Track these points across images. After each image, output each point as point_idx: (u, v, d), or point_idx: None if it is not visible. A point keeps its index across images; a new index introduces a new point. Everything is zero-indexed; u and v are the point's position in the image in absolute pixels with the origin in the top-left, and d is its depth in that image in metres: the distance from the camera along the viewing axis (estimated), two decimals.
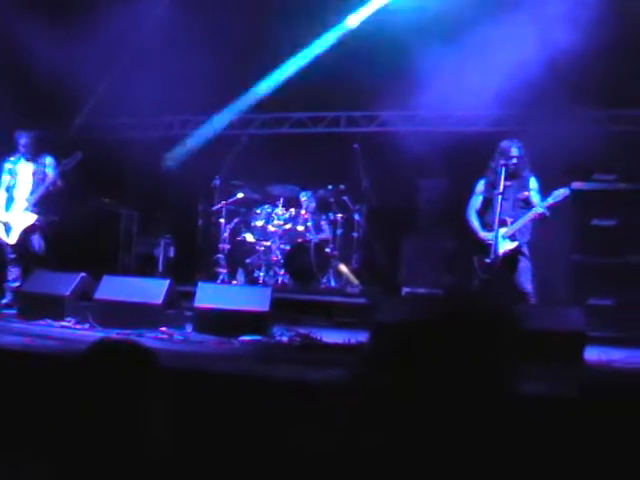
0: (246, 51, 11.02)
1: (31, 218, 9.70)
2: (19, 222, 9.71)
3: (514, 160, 8.68)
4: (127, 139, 11.75)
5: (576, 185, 9.91)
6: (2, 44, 10.62)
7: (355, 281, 11.41)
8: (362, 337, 8.05)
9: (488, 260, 8.67)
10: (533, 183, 8.74)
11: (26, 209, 9.69)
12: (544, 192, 8.71)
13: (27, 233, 9.73)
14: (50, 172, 9.74)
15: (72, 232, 11.28)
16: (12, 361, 6.09)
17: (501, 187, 8.59)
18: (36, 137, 9.85)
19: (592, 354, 7.35)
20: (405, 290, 11.12)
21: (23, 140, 9.79)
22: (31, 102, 10.82)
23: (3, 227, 9.74)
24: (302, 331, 8.65)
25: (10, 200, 9.81)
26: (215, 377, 5.85)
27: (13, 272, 9.76)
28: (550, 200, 8.56)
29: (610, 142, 10.29)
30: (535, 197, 8.68)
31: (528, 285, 8.65)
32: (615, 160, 10.33)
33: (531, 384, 5.01)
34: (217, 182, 11.74)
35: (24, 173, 9.81)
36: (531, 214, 8.59)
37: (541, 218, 8.60)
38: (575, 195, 9.23)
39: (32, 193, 9.70)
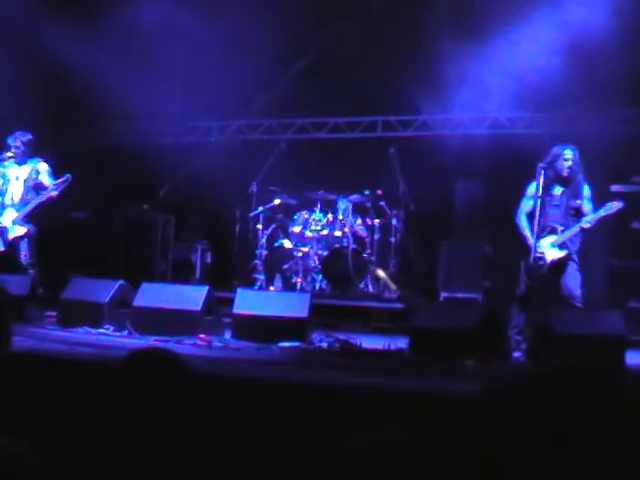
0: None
1: (22, 230, 9.58)
2: (9, 231, 9.62)
3: (568, 164, 8.59)
4: (163, 144, 11.82)
5: (615, 188, 9.89)
6: (26, 44, 10.68)
7: (393, 286, 11.42)
8: (401, 343, 8.09)
9: (536, 266, 8.58)
10: (586, 191, 8.58)
11: (16, 220, 9.57)
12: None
13: (16, 241, 9.62)
14: (46, 180, 9.58)
15: (109, 238, 11.43)
16: (51, 368, 6.18)
17: (540, 190, 8.53)
18: (31, 140, 9.68)
19: (633, 358, 7.34)
20: (443, 295, 11.12)
21: (18, 142, 9.60)
22: (58, 108, 10.91)
23: None
24: (341, 337, 8.71)
25: (1, 206, 9.72)
26: (256, 384, 5.90)
27: None
28: (602, 212, 8.45)
29: None
30: (587, 206, 8.54)
31: (577, 290, 8.56)
32: None
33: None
34: (254, 188, 11.85)
35: (15, 177, 9.68)
36: (579, 226, 8.49)
37: (588, 230, 8.53)
38: (614, 198, 9.16)
39: (23, 201, 9.58)
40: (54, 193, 9.42)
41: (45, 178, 9.60)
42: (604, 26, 9.65)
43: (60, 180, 9.44)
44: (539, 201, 8.53)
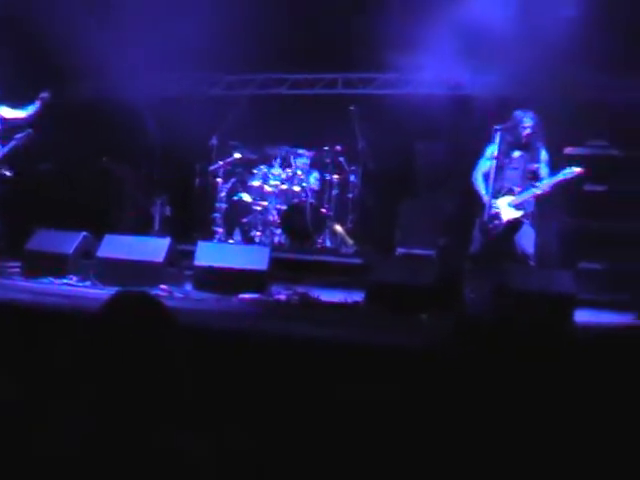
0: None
1: None
2: None
3: (527, 130, 8.92)
4: (126, 98, 11.88)
5: (569, 151, 10.18)
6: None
7: (350, 241, 11.71)
8: (358, 296, 8.38)
9: (491, 224, 8.93)
10: (544, 155, 8.93)
11: None
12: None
13: None
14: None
15: (69, 190, 11.53)
16: (20, 318, 6.34)
17: (497, 152, 8.85)
18: None
19: (582, 316, 7.70)
20: (399, 251, 11.36)
21: None
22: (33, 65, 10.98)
23: None
24: (299, 289, 8.98)
25: None
26: (215, 334, 6.11)
27: None
28: (561, 176, 8.81)
29: (601, 110, 10.53)
30: (544, 170, 8.89)
31: (530, 249, 8.93)
32: (606, 127, 10.58)
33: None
34: (214, 142, 12.01)
35: None
36: (536, 191, 8.84)
37: (544, 193, 8.87)
38: (568, 161, 9.49)
39: None
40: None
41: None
42: None
43: (21, 135, 9.64)
44: (496, 162, 8.88)
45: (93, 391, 2.65)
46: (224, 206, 11.83)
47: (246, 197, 11.83)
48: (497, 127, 8.87)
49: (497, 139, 8.85)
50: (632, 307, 8.54)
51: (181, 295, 8.46)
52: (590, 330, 7.24)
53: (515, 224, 9.00)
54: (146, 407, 2.63)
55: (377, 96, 12.32)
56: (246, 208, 11.80)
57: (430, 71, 11.45)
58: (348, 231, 11.87)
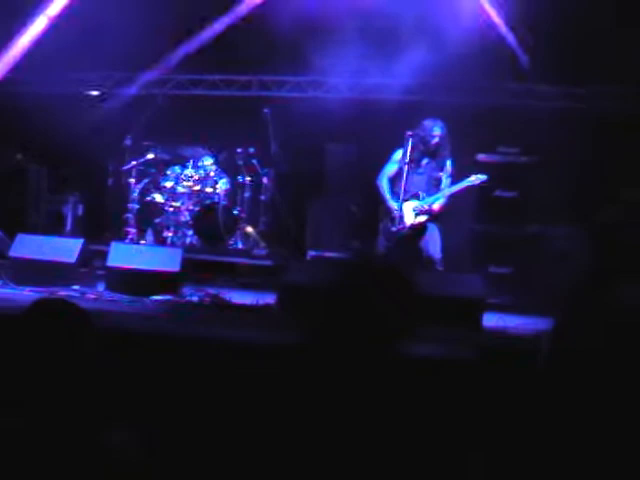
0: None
1: None
2: None
3: (436, 139, 9.26)
4: (38, 95, 11.85)
5: (481, 158, 10.53)
6: None
7: (262, 243, 11.92)
8: (269, 298, 8.60)
9: (394, 228, 9.26)
10: (449, 166, 9.31)
11: None
12: (456, 167, 9.38)
13: None
14: None
15: None
16: None
17: (408, 157, 9.17)
18: None
19: (490, 320, 8.04)
20: (311, 254, 11.59)
21: None
22: None
23: None
24: (211, 291, 9.17)
25: None
26: (127, 335, 6.25)
27: None
28: (465, 183, 9.19)
29: (514, 116, 10.89)
30: (446, 181, 9.28)
31: (437, 254, 9.28)
32: (518, 133, 10.92)
33: (430, 346, 5.61)
34: (128, 142, 12.05)
35: None
36: (440, 197, 9.22)
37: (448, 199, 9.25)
38: (479, 167, 9.87)
39: None
40: None
41: None
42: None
43: None
44: (405, 167, 9.20)
45: (15, 392, 2.83)
46: (137, 207, 11.86)
47: (159, 198, 11.91)
48: (409, 133, 9.20)
49: (409, 144, 9.18)
50: (542, 311, 8.80)
51: (94, 296, 8.49)
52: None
53: (419, 229, 9.33)
54: (68, 407, 2.80)
55: (290, 98, 12.53)
56: (159, 209, 11.89)
57: (341, 74, 11.70)
58: (260, 233, 12.07)
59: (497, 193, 10.52)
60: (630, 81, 10.60)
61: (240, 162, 12.10)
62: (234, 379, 4.98)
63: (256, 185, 12.22)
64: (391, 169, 9.46)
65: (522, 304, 9.44)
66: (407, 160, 9.13)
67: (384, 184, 9.44)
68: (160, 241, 11.67)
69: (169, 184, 11.94)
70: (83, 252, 9.11)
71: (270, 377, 2.54)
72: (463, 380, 4.93)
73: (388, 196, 9.36)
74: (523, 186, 10.60)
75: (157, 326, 7.05)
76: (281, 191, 12.42)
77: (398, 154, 9.38)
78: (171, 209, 11.82)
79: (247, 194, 12.14)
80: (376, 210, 9.77)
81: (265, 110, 11.98)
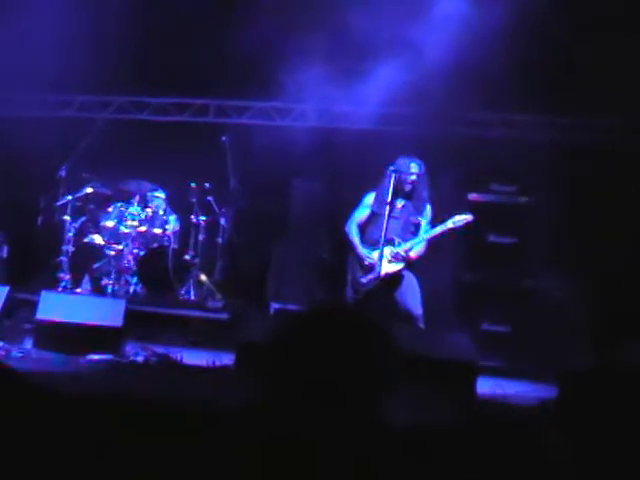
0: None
1: None
2: None
3: (412, 177, 8.95)
4: None
5: (473, 197, 10.29)
6: None
7: (217, 294, 11.56)
8: (226, 359, 8.26)
9: (364, 280, 8.94)
10: (428, 210, 9.04)
11: None
12: (440, 205, 9.05)
13: None
14: None
15: None
16: None
17: (389, 197, 8.85)
18: None
19: (485, 386, 7.68)
20: (274, 306, 11.32)
21: None
22: None
23: None
24: (159, 350, 8.80)
25: None
26: (57, 401, 5.89)
27: None
28: (449, 224, 8.86)
29: (507, 149, 10.69)
30: (425, 227, 8.99)
31: (418, 309, 8.90)
32: (512, 169, 10.72)
33: (414, 412, 5.26)
34: (63, 173, 11.66)
35: None
36: (418, 243, 8.91)
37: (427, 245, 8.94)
38: (470, 208, 9.55)
39: None
40: None
41: None
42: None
43: None
44: (387, 207, 8.87)
45: None
46: (72, 249, 11.50)
47: (98, 239, 11.60)
48: (391, 168, 8.91)
49: (391, 181, 8.87)
50: (541, 377, 8.56)
51: (19, 354, 8.15)
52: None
53: (394, 278, 9.00)
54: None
55: (252, 126, 12.34)
56: (98, 252, 11.57)
57: (309, 100, 11.52)
58: (215, 282, 11.75)
59: (492, 239, 10.27)
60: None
61: (193, 199, 11.85)
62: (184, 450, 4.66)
63: (212, 226, 11.93)
64: (361, 214, 9.22)
65: (521, 368, 9.26)
66: (388, 200, 8.83)
67: (353, 230, 9.19)
68: (99, 290, 11.32)
69: (110, 223, 11.65)
70: (7, 302, 8.79)
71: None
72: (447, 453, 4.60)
73: (357, 243, 9.06)
74: (521, 230, 10.38)
75: (93, 390, 6.73)
76: (240, 233, 12.08)
77: (370, 197, 9.21)
78: (112, 253, 11.52)
79: (201, 236, 11.88)
80: (346, 257, 9.45)
81: (223, 139, 11.75)
